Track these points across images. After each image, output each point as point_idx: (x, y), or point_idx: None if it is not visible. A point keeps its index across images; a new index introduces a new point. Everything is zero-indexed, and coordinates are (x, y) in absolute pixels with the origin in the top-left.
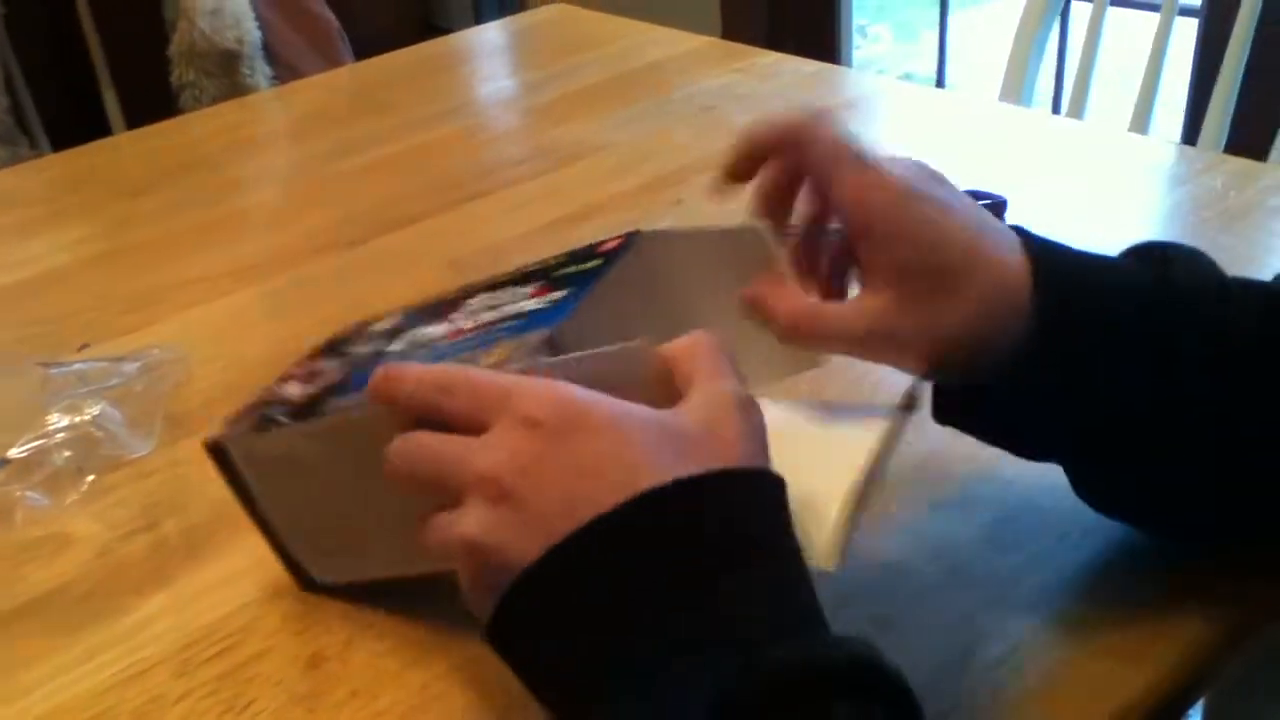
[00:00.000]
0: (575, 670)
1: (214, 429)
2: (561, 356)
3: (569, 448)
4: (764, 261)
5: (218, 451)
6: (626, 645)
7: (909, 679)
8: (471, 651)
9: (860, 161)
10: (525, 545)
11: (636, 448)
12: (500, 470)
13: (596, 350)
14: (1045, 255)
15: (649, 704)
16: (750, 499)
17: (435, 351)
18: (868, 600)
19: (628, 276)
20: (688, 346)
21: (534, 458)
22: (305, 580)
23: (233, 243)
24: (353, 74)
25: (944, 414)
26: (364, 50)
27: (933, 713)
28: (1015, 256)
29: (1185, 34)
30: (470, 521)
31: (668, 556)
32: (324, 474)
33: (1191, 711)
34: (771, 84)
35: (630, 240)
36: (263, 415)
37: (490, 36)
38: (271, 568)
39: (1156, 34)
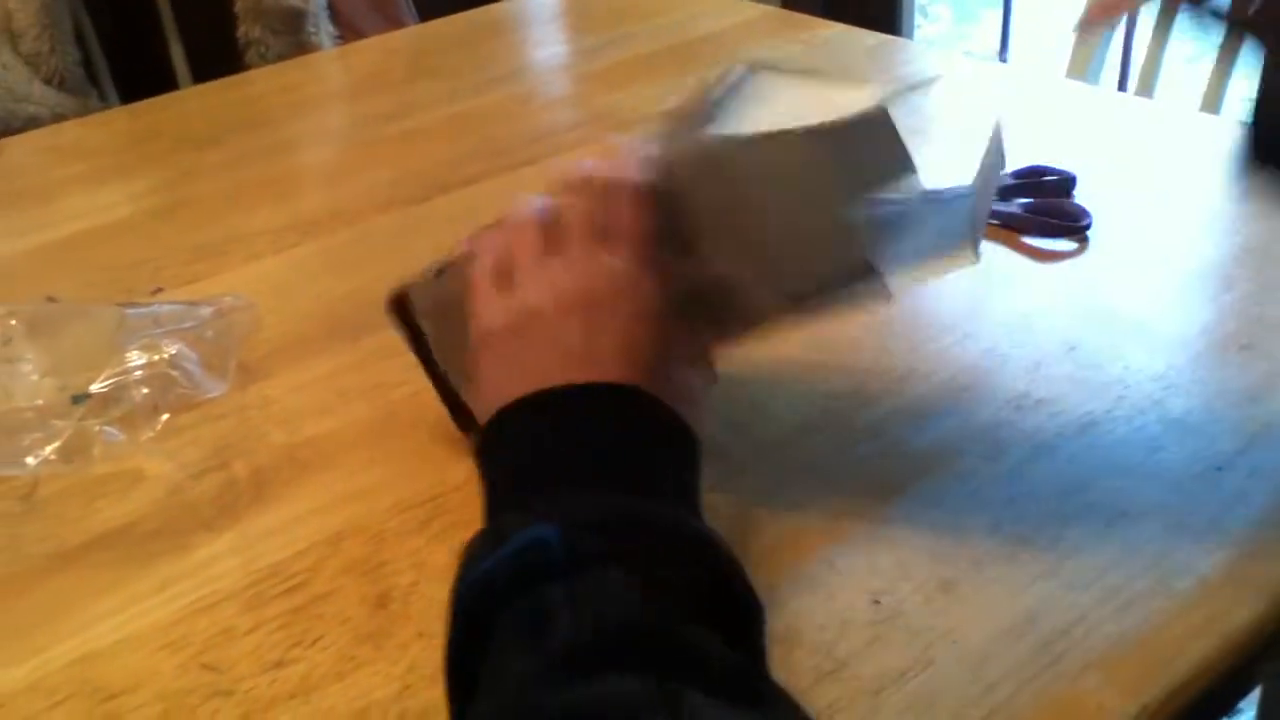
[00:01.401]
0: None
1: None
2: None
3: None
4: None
5: (399, 303)
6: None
7: (970, 644)
8: None
9: None
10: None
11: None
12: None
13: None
14: None
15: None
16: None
17: None
18: (930, 564)
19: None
20: None
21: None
22: (467, 422)
23: (294, 198)
24: (411, 37)
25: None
26: (423, 13)
27: (990, 678)
28: None
29: None
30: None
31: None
32: None
33: (1243, 705)
34: (832, 55)
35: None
36: (443, 262)
37: (547, 3)
38: (338, 512)
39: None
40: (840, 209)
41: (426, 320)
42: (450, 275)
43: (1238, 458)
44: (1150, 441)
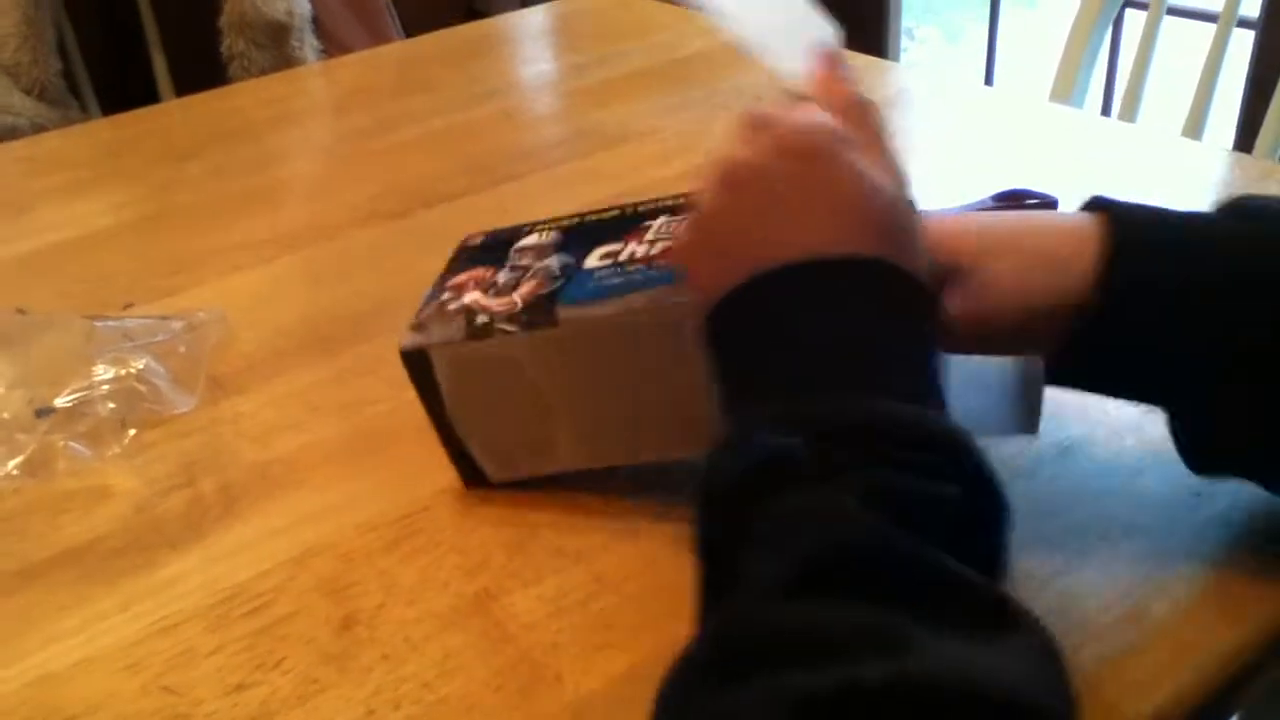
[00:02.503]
0: (735, 374)
1: (403, 338)
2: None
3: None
4: None
5: (417, 357)
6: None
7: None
8: (495, 624)
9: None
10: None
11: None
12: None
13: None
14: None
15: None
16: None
17: (648, 274)
18: None
19: None
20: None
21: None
22: (475, 478)
23: (274, 211)
24: (397, 52)
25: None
26: (406, 32)
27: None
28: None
29: (1239, 45)
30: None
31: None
32: (540, 376)
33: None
34: None
35: None
36: (474, 323)
37: (535, 20)
38: (306, 531)
39: (1213, 43)
40: None
41: (447, 380)
42: (490, 342)
43: (1217, 483)
44: (1130, 466)
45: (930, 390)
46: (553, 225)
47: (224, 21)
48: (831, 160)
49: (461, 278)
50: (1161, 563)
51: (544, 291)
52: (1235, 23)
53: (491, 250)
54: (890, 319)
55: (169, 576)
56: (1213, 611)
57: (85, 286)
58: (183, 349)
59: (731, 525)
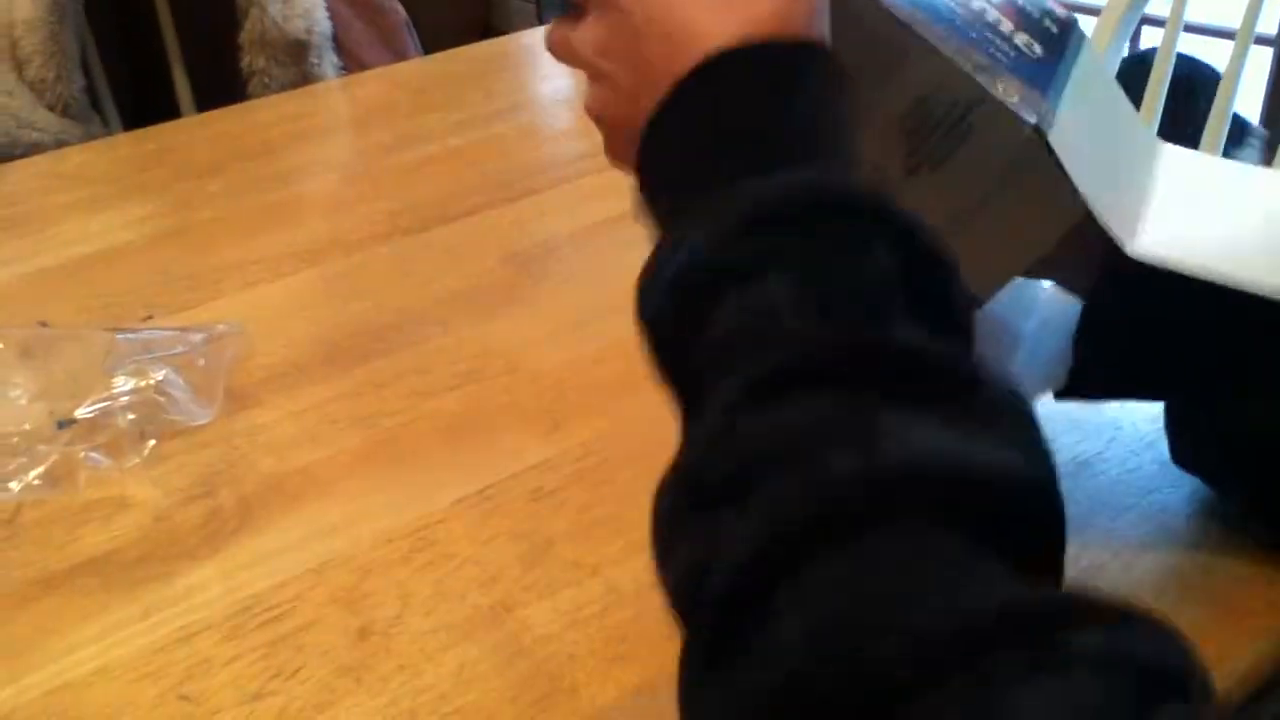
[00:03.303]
0: (675, 190)
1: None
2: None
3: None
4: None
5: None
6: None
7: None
8: (510, 636)
9: None
10: (629, 112)
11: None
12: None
13: None
14: None
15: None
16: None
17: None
18: None
19: (1084, 93)
20: None
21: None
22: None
23: (293, 226)
24: (415, 69)
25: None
26: (425, 49)
27: None
28: None
29: (1258, 62)
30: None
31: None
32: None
33: None
34: None
35: (1076, 35)
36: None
37: None
38: (322, 542)
39: (1231, 59)
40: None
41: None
42: None
43: (1233, 501)
44: (1144, 483)
45: (849, 161)
46: None
47: (244, 38)
48: None
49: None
50: (1175, 582)
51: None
52: (1253, 39)
53: None
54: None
55: (187, 586)
56: (1228, 631)
57: (106, 300)
58: (202, 361)
59: (679, 343)
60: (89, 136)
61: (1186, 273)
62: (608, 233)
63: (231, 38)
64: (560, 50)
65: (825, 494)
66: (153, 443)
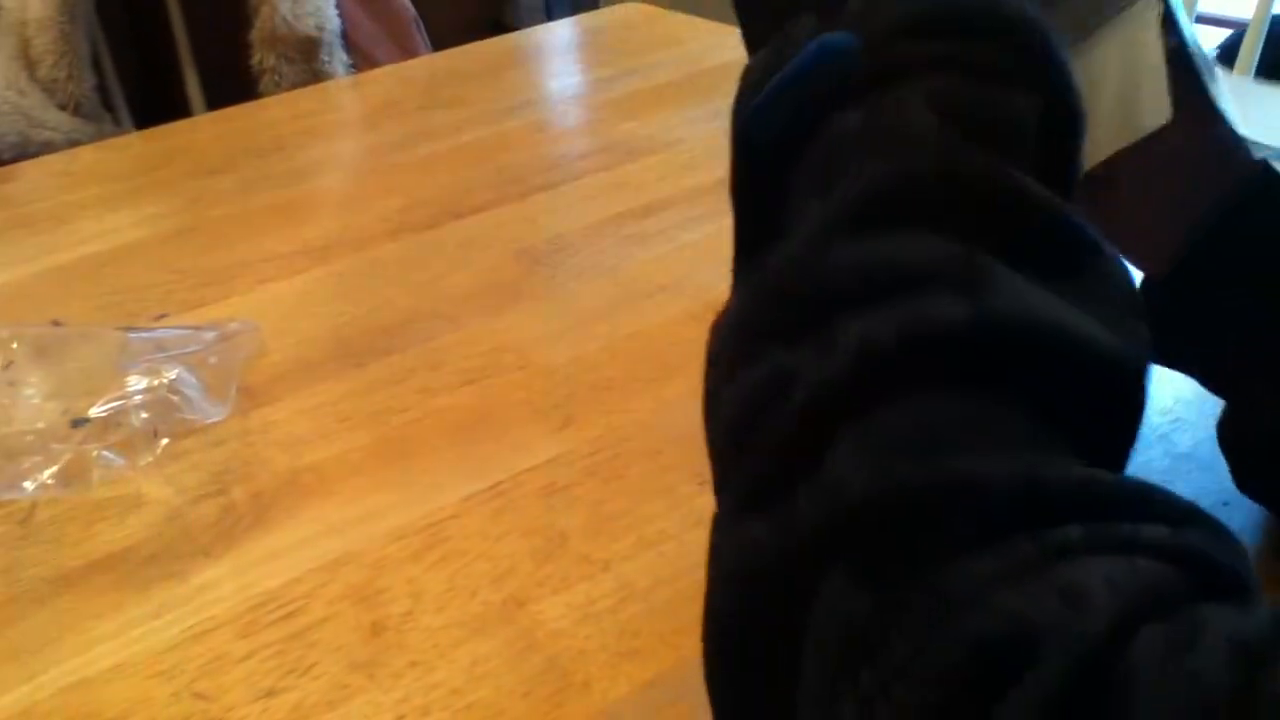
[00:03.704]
0: None
1: None
2: None
3: None
4: None
5: None
6: None
7: None
8: (523, 632)
9: None
10: None
11: None
12: None
13: None
14: None
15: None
16: None
17: None
18: None
19: None
20: None
21: None
22: None
23: (305, 223)
24: (425, 66)
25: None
26: (435, 47)
27: None
28: None
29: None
30: None
31: None
32: None
33: None
34: None
35: None
36: None
37: (563, 34)
38: (336, 538)
39: (1244, 50)
40: None
41: None
42: None
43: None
44: (1157, 477)
45: None
46: None
47: (254, 36)
48: None
49: None
50: None
51: None
52: (1266, 30)
53: None
54: None
55: (201, 584)
56: None
57: (119, 298)
58: (214, 359)
59: (782, 153)
60: (101, 135)
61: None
62: (619, 228)
63: (242, 36)
64: None
65: (922, 337)
66: (166, 441)
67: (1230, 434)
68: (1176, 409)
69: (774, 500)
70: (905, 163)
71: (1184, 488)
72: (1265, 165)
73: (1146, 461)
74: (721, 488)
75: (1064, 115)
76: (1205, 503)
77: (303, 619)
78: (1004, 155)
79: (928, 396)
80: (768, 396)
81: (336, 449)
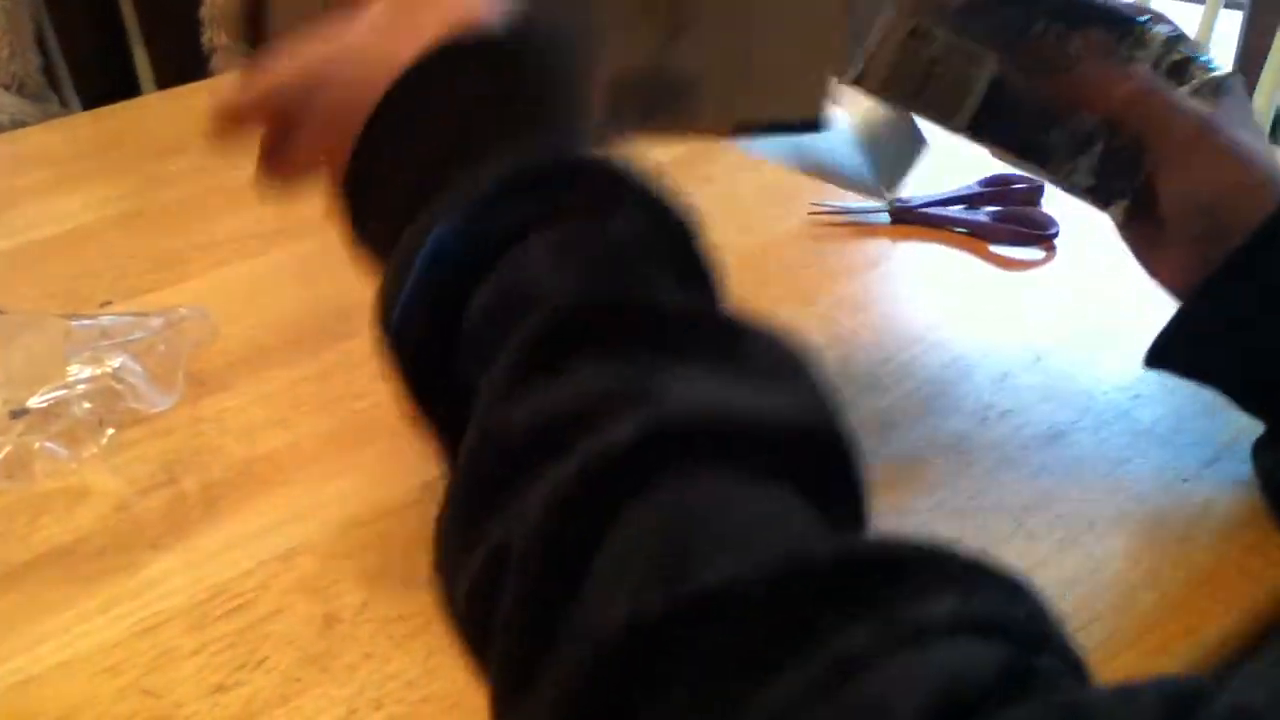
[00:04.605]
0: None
1: None
2: None
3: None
4: None
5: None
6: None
7: None
8: None
9: None
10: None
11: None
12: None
13: None
14: None
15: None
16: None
17: None
18: None
19: None
20: None
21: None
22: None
23: (258, 206)
24: None
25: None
26: None
27: None
28: None
29: (1228, 26)
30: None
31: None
32: None
33: None
34: None
35: None
36: None
37: None
38: (289, 529)
39: (1201, 24)
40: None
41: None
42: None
43: (1205, 469)
44: (1117, 453)
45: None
46: None
47: (205, 14)
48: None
49: None
50: (1149, 552)
51: None
52: (1223, 4)
53: None
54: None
55: (150, 577)
56: (1202, 601)
57: (67, 284)
58: (162, 347)
59: (434, 346)
60: (47, 116)
61: None
62: None
63: (192, 14)
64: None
65: (603, 471)
66: (111, 431)
67: (1269, 460)
68: (1137, 385)
69: (542, 646)
70: (544, 309)
71: (1144, 464)
72: None
73: (1107, 438)
74: (490, 664)
75: (674, 224)
76: (1166, 479)
77: (254, 612)
78: (626, 275)
79: (639, 515)
80: (497, 560)
81: (290, 437)
